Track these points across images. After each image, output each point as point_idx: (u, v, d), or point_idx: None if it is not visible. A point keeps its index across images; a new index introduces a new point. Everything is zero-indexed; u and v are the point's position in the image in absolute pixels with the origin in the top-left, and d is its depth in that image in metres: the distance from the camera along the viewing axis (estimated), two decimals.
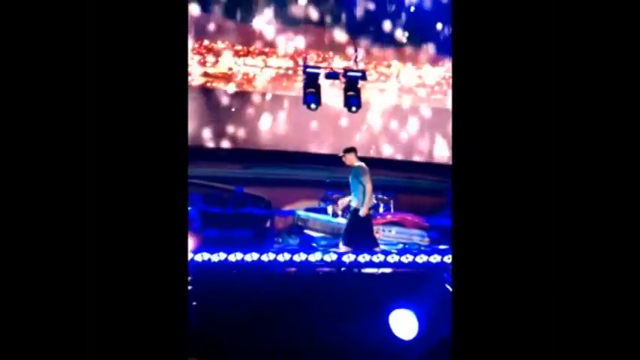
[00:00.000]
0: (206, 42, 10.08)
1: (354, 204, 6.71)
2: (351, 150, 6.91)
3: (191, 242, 7.18)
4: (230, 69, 10.21)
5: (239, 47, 10.13)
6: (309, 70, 9.22)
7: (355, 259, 6.13)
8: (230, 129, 10.23)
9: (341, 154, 6.92)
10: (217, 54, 10.12)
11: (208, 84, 10.36)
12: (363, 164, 6.83)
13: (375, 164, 9.07)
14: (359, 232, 6.70)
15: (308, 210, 8.17)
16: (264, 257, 6.00)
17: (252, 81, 9.73)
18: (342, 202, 7.13)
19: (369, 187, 6.59)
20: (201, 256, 5.87)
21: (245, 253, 6.05)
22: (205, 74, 10.23)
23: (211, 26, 10.07)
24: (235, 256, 5.90)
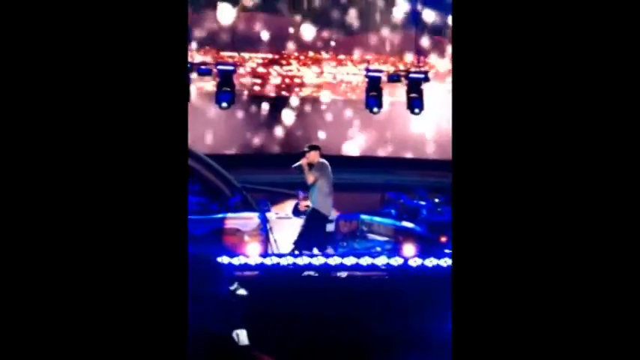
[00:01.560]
0: (311, 53, 10.29)
1: (312, 204, 6.72)
2: (316, 147, 6.87)
3: (260, 246, 7.35)
4: (334, 77, 10.36)
5: (342, 56, 10.28)
6: (370, 73, 9.26)
7: (422, 264, 6.11)
8: (295, 135, 10.38)
9: (305, 149, 6.84)
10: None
11: (314, 94, 10.55)
12: (324, 160, 6.82)
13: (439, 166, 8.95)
14: (314, 233, 6.64)
15: (372, 214, 8.19)
16: (331, 261, 6.07)
17: (355, 89, 9.82)
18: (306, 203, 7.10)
19: (328, 183, 6.61)
20: (270, 260, 6.01)
21: (312, 257, 6.14)
22: (310, 84, 10.43)
23: (315, 38, 10.27)
24: (303, 260, 6.01)
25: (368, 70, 9.22)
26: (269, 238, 7.31)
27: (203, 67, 9.20)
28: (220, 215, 8.05)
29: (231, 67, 9.12)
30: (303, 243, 6.65)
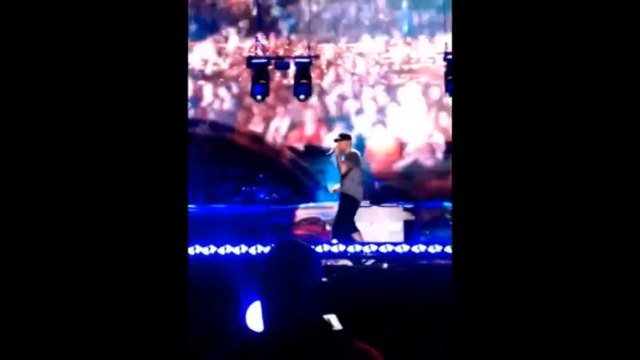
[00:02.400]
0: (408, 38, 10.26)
1: (345, 191, 6.79)
2: (347, 137, 6.92)
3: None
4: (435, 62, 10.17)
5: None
6: (449, 57, 9.06)
7: None
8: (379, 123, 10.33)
9: (337, 138, 6.88)
10: None
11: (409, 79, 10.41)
12: (356, 150, 6.91)
13: None
14: (349, 217, 6.75)
15: None
16: (415, 249, 6.01)
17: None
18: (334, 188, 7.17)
19: (360, 172, 6.74)
20: (354, 248, 6.03)
21: (395, 245, 6.10)
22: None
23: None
24: (386, 248, 5.98)
25: (446, 53, 9.00)
26: None
27: (280, 61, 9.38)
28: (302, 205, 8.17)
29: (307, 60, 9.20)
30: (341, 229, 6.81)
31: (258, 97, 8.98)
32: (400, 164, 9.75)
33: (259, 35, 9.70)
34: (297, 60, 9.21)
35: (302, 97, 9.07)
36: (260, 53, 9.44)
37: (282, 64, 9.41)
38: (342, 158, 6.72)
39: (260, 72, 9.04)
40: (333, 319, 2.21)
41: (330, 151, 6.92)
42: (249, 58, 9.29)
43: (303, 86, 9.02)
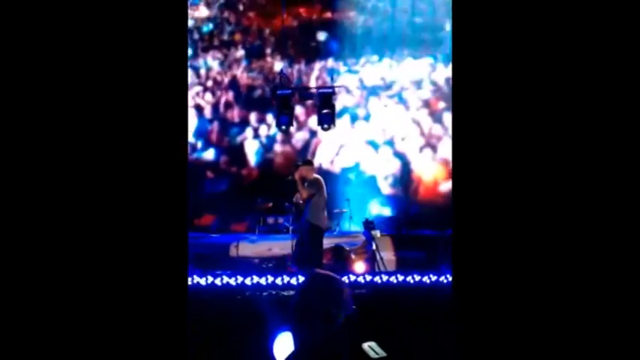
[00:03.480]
0: None
1: (308, 218, 6.56)
2: (309, 163, 6.80)
3: (365, 264, 7.35)
4: None
5: None
6: None
7: None
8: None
9: (298, 163, 6.76)
10: None
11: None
12: (318, 176, 6.69)
13: None
14: (313, 247, 6.46)
15: None
16: (443, 279, 5.93)
17: None
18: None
19: (323, 198, 6.50)
20: (380, 278, 5.98)
21: (422, 275, 6.04)
22: None
23: None
24: (414, 278, 5.92)
25: None
26: (375, 255, 7.29)
27: (306, 91, 9.53)
28: (326, 234, 8.13)
29: (329, 90, 9.31)
30: (301, 259, 6.54)
31: (283, 127, 9.10)
32: (444, 188, 9.72)
33: (283, 68, 9.87)
34: (319, 90, 9.33)
35: (325, 126, 9.15)
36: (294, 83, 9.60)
37: (305, 95, 9.54)
38: (304, 184, 6.53)
39: (284, 103, 9.17)
40: (375, 346, 2.20)
41: (290, 177, 6.76)
42: (273, 90, 9.44)
43: (327, 116, 9.10)
